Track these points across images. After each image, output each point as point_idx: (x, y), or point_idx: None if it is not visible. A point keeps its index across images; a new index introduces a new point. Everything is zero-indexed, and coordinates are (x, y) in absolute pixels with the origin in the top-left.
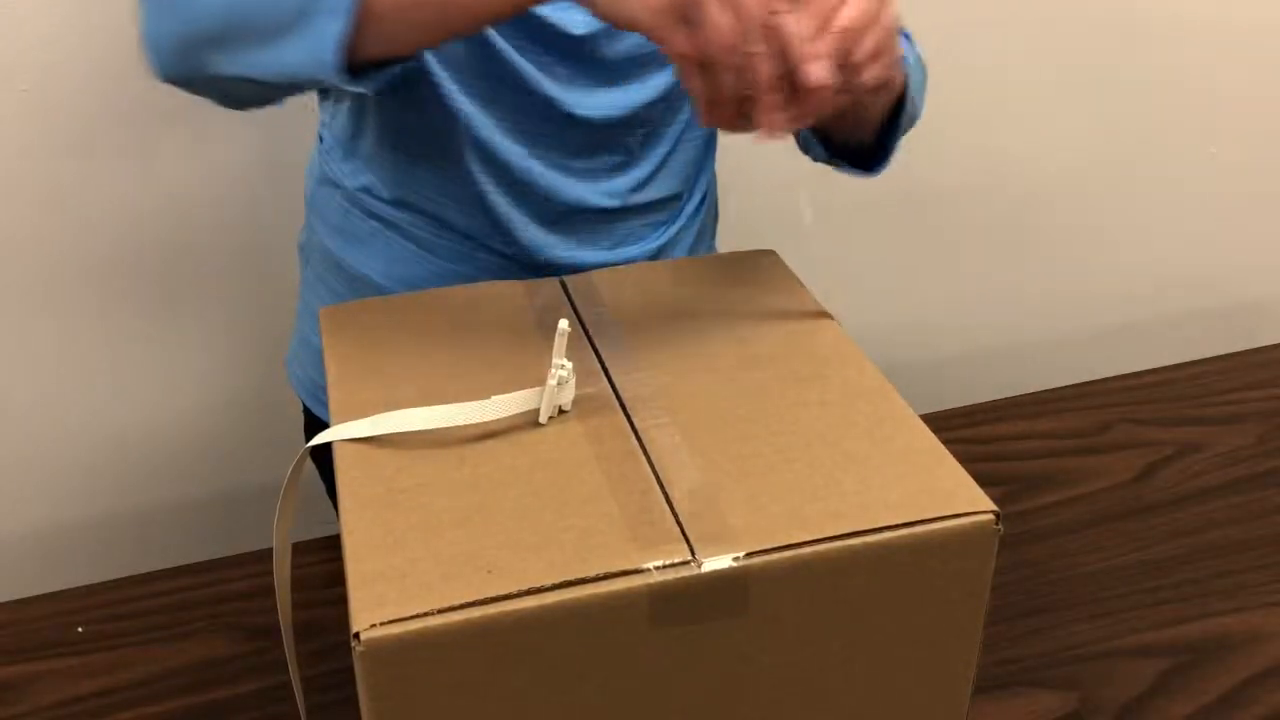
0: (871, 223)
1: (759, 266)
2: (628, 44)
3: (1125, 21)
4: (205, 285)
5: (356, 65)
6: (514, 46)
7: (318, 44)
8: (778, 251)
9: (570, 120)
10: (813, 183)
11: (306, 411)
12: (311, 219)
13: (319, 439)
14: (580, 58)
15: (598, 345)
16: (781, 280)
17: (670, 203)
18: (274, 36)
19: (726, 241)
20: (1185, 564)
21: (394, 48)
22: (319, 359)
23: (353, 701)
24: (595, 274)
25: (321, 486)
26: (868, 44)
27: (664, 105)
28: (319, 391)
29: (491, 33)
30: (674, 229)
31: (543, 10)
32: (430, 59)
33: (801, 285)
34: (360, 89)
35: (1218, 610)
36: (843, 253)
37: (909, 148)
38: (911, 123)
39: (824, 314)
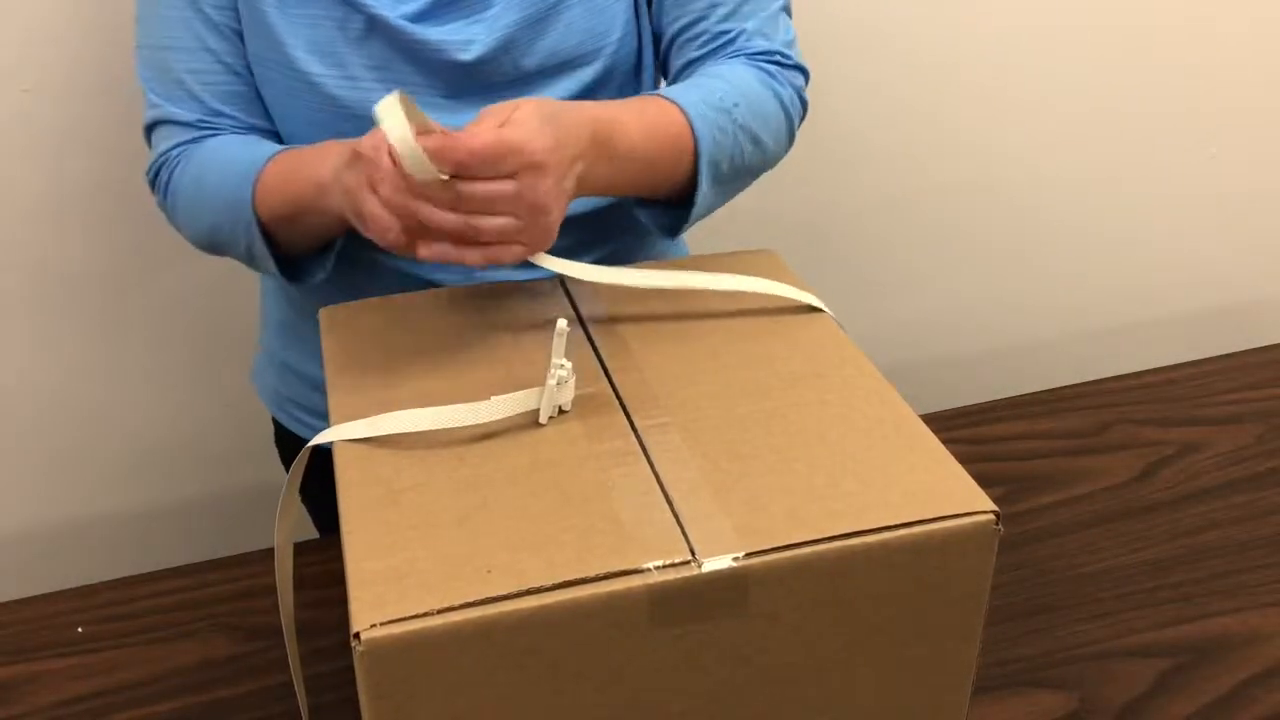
0: (871, 223)
1: (759, 266)
2: (516, 66)
3: (1126, 22)
4: (206, 283)
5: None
6: (382, 80)
7: (266, 264)
8: (778, 251)
9: None
10: (811, 183)
11: (275, 420)
12: None
13: (320, 438)
14: (463, 84)
15: (597, 345)
16: (781, 280)
17: (604, 214)
18: (244, 260)
19: (726, 241)
20: (1185, 564)
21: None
22: (281, 369)
23: (353, 701)
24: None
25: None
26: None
27: None
28: (284, 402)
29: (360, 68)
30: (612, 245)
31: (429, 34)
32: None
33: (801, 285)
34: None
35: (1218, 610)
36: (843, 253)
37: (910, 149)
38: (737, 175)
39: (824, 313)
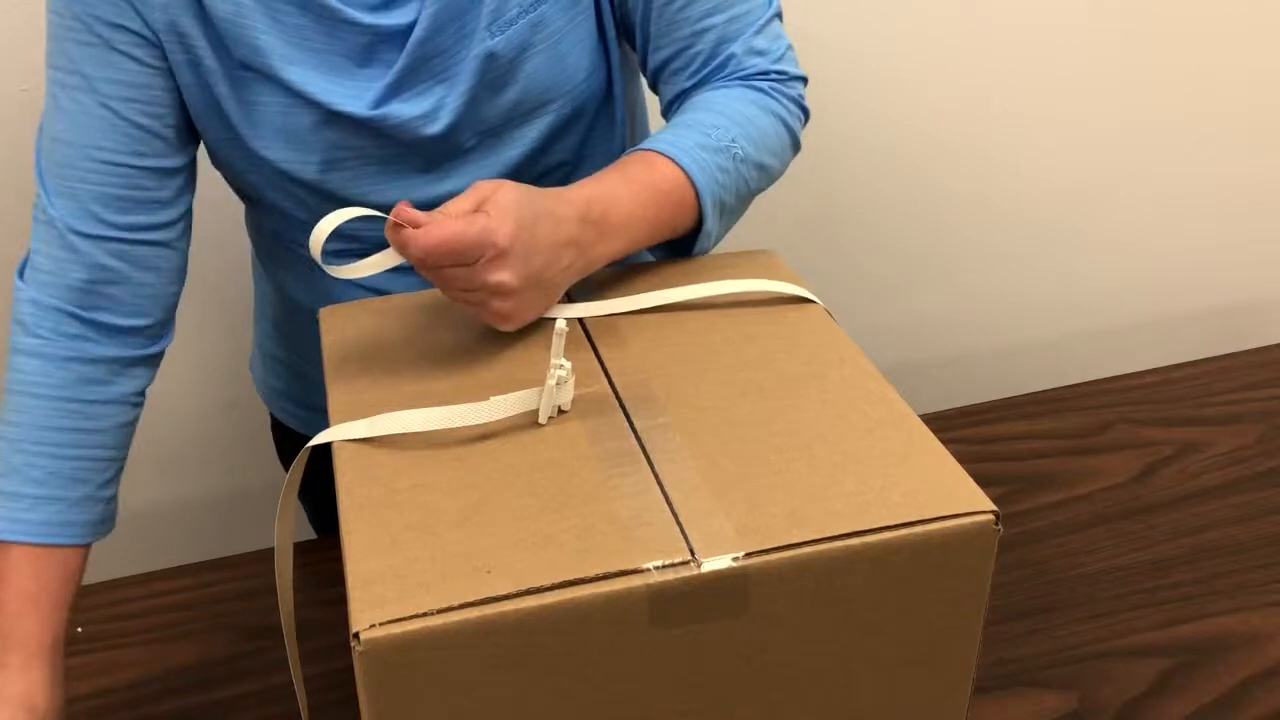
0: (872, 223)
1: (759, 266)
2: (481, 122)
3: (1125, 23)
4: (203, 283)
5: None
6: (348, 161)
7: None
8: (778, 251)
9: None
10: (812, 183)
11: (272, 415)
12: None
13: (319, 439)
14: (435, 152)
15: (597, 345)
16: (782, 280)
17: None
18: None
19: (727, 241)
20: (1185, 564)
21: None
22: (274, 364)
23: (353, 701)
24: (595, 274)
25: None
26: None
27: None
28: (277, 396)
29: (322, 152)
30: None
31: (392, 115)
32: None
33: (802, 285)
34: None
35: (1218, 610)
36: (843, 253)
37: (910, 150)
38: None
39: (824, 313)
